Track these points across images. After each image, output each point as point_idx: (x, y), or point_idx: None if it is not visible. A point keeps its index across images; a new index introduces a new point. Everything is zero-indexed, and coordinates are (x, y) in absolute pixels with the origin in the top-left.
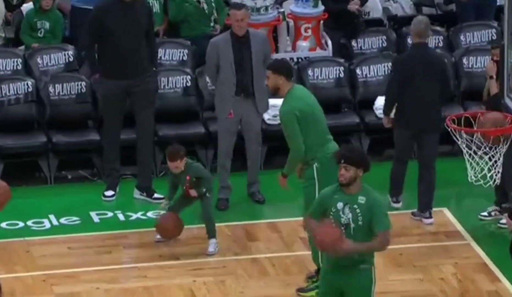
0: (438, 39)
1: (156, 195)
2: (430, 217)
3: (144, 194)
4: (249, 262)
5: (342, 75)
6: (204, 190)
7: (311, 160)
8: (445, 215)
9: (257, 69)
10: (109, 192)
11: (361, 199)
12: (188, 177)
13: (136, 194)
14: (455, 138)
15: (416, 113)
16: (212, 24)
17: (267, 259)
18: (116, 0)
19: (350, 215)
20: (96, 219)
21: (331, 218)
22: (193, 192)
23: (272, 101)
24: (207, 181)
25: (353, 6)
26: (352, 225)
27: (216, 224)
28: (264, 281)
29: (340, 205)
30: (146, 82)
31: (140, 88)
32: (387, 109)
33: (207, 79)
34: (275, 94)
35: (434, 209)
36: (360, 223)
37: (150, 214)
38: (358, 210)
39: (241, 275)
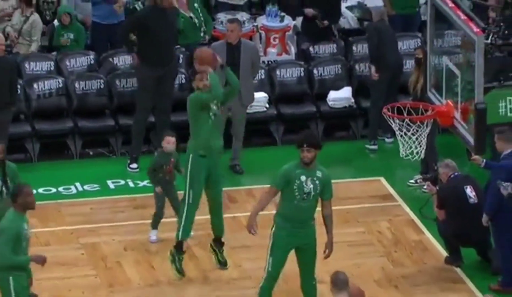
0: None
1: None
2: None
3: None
4: (230, 220)
5: (302, 74)
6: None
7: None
8: (382, 182)
9: (244, 71)
10: (134, 165)
11: (319, 173)
12: (172, 160)
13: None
14: (389, 123)
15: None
16: (202, 34)
17: (244, 217)
18: (155, 7)
19: (311, 186)
20: (111, 186)
21: (294, 188)
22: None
23: (256, 95)
24: (180, 172)
25: (321, 23)
26: (312, 193)
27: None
28: (241, 234)
29: (303, 177)
30: (174, 69)
31: (170, 75)
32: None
33: None
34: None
35: (372, 178)
36: (318, 191)
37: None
38: (317, 182)
39: (224, 230)
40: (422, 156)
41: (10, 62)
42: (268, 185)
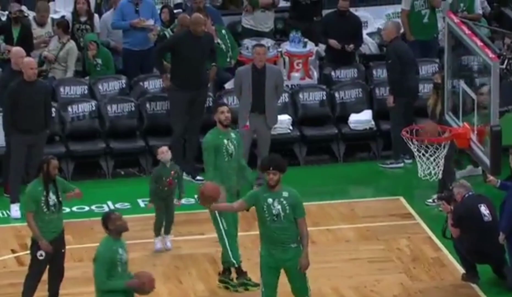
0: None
1: (198, 177)
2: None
3: (190, 176)
4: (255, 237)
5: (324, 97)
6: (180, 191)
7: None
8: (401, 202)
9: (268, 93)
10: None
11: (285, 193)
12: (173, 172)
13: (185, 175)
14: (408, 145)
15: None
16: (228, 59)
17: None
18: (190, 33)
19: (279, 207)
20: (142, 204)
21: (264, 210)
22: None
23: (280, 117)
24: (183, 185)
25: (348, 48)
26: (282, 214)
27: None
28: None
29: (270, 200)
30: (205, 92)
31: (201, 98)
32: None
33: (224, 99)
34: None
35: (391, 197)
36: (287, 212)
37: (183, 201)
38: (284, 202)
39: (249, 247)
40: (440, 176)
41: (44, 86)
42: None
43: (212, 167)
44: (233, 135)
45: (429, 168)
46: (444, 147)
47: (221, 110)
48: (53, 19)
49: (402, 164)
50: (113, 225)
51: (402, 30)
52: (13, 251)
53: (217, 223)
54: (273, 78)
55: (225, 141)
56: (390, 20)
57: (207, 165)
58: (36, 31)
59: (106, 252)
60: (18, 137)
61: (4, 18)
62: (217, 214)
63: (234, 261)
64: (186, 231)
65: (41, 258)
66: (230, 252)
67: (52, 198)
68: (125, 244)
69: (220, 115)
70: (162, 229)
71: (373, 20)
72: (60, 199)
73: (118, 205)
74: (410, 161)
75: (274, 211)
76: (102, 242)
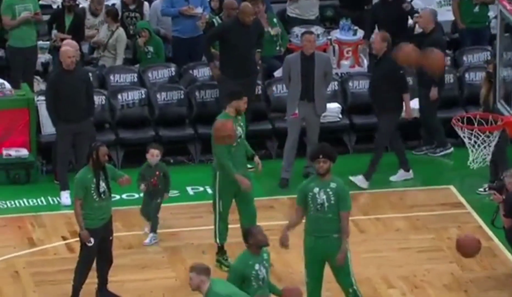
0: (446, 59)
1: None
2: None
3: None
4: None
5: None
6: (166, 188)
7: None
8: (452, 191)
9: (318, 81)
10: None
11: (333, 185)
12: (158, 172)
13: None
14: (459, 133)
15: None
16: (277, 47)
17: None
18: (238, 21)
19: (324, 197)
20: (191, 192)
21: (309, 200)
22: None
23: (330, 105)
24: (168, 184)
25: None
26: (326, 204)
27: (279, 197)
28: None
29: (316, 189)
30: (254, 81)
31: (250, 86)
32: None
33: (273, 88)
34: None
35: (442, 186)
36: (332, 202)
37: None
38: (330, 193)
39: (299, 233)
40: (488, 163)
41: (84, 74)
42: None
43: (226, 154)
44: (239, 117)
45: (479, 156)
46: (495, 136)
47: (245, 100)
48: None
49: (451, 149)
50: (253, 239)
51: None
52: (64, 238)
53: (214, 204)
54: (322, 65)
55: (235, 125)
56: (427, 8)
57: (222, 154)
58: (90, 20)
59: (240, 266)
60: (63, 126)
61: (55, 6)
62: (217, 196)
63: (218, 241)
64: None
65: (89, 245)
66: (217, 233)
67: (102, 185)
68: (265, 259)
69: (242, 105)
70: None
71: (425, 8)
72: (110, 186)
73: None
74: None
75: (318, 200)
76: (240, 256)
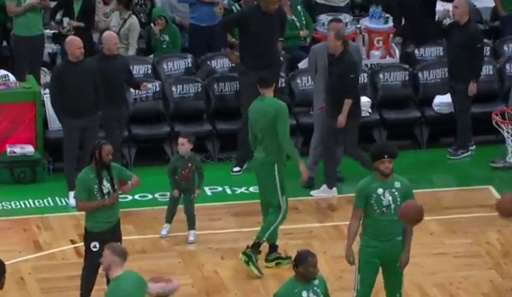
0: (486, 49)
1: None
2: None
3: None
4: (331, 228)
5: (407, 78)
6: (199, 183)
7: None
8: (491, 191)
9: None
10: (237, 168)
11: (397, 184)
12: (190, 164)
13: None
14: (499, 129)
15: None
16: (297, 31)
17: (345, 226)
18: (259, 8)
19: (390, 198)
20: (208, 192)
21: (372, 202)
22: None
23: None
24: (202, 179)
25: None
26: (392, 206)
27: (303, 198)
28: (343, 243)
29: (380, 190)
30: (277, 73)
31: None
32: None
33: (297, 80)
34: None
35: (479, 186)
36: (398, 203)
37: (251, 189)
38: (396, 193)
39: (324, 238)
40: None
41: (92, 65)
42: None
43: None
44: None
45: None
46: None
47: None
48: None
49: (469, 152)
50: (304, 269)
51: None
52: (72, 242)
53: (278, 200)
54: None
55: None
56: None
57: (287, 132)
58: (101, 8)
59: (286, 295)
60: (69, 121)
61: None
62: (279, 192)
63: (267, 239)
64: (255, 222)
65: (95, 249)
66: (273, 232)
67: (106, 186)
68: (316, 285)
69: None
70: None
71: None
72: (116, 186)
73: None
74: (474, 147)
75: (384, 202)
76: (286, 282)
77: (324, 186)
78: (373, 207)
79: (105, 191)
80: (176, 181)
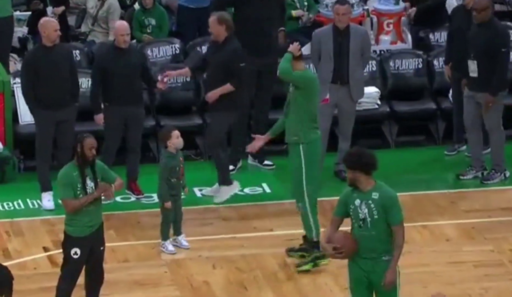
0: (510, 33)
1: (266, 162)
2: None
3: (256, 160)
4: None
5: (420, 66)
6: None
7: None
8: None
9: (353, 60)
10: (230, 167)
11: (375, 195)
12: (181, 158)
13: (250, 160)
14: None
15: None
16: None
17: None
18: None
19: (366, 210)
20: (198, 194)
21: (351, 214)
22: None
23: (367, 89)
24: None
25: None
26: (369, 219)
27: None
28: None
29: (357, 202)
30: (275, 62)
31: (270, 68)
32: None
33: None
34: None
35: (501, 187)
36: (375, 217)
37: (246, 190)
38: (372, 205)
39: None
40: None
41: (68, 51)
42: None
43: None
44: None
45: None
46: None
47: None
48: None
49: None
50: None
51: None
52: (46, 249)
53: (300, 192)
54: (358, 41)
55: None
56: None
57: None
58: None
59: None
60: (42, 113)
61: None
62: (303, 179)
63: (315, 236)
64: (250, 227)
65: (75, 257)
66: (313, 226)
67: (90, 185)
68: (370, 201)
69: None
70: (171, 231)
71: None
72: (99, 185)
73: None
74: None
75: (360, 215)
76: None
77: (217, 185)
78: (352, 219)
79: (88, 191)
80: (172, 185)
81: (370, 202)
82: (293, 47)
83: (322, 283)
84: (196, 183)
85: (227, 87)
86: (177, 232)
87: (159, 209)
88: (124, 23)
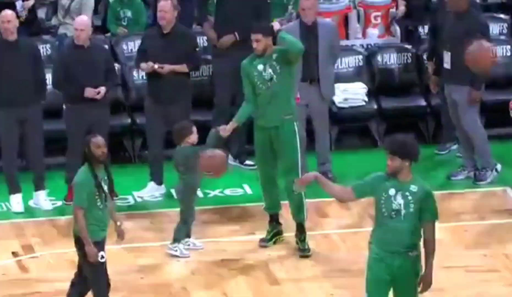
0: (502, 26)
1: (247, 162)
2: None
3: (237, 160)
4: (321, 237)
5: (410, 60)
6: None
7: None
8: (508, 194)
9: (323, 57)
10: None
11: (413, 188)
12: None
13: (231, 160)
14: None
15: None
16: (288, 12)
17: (337, 235)
18: None
19: (402, 202)
20: (176, 196)
21: (381, 203)
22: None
23: (342, 86)
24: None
25: None
26: (403, 211)
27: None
28: (336, 256)
29: (392, 191)
30: None
31: None
32: None
33: None
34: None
35: (495, 188)
36: (411, 210)
37: (227, 191)
38: (410, 197)
39: (312, 249)
40: None
41: (30, 45)
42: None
43: None
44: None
45: None
46: None
47: None
48: None
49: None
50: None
51: None
52: (15, 254)
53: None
54: (327, 36)
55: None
56: None
57: None
58: None
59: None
60: (4, 112)
61: None
62: (298, 158)
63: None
64: (230, 231)
65: (102, 260)
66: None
67: (104, 188)
68: (407, 192)
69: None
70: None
71: None
72: (114, 188)
73: (146, 197)
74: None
75: (393, 205)
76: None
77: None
78: (381, 208)
79: (103, 194)
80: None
81: (407, 194)
82: (278, 26)
83: (307, 288)
84: (173, 183)
85: (183, 67)
86: (189, 234)
87: (134, 212)
88: (84, 18)
